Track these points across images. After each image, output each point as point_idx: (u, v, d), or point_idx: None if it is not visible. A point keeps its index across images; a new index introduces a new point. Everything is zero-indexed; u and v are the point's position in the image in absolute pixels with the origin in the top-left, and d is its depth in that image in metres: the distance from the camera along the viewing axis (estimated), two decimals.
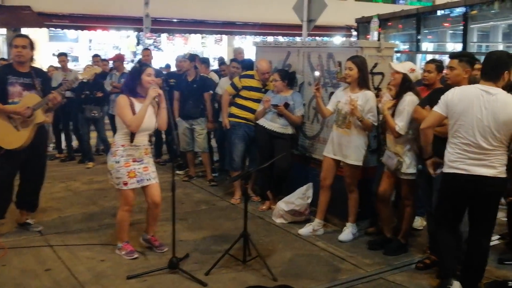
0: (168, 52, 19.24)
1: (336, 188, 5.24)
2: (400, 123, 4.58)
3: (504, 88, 3.78)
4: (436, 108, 3.87)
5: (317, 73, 5.50)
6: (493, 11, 11.62)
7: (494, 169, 3.62)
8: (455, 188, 3.78)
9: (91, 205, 6.23)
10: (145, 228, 4.86)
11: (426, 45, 14.50)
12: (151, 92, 4.33)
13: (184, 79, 7.24)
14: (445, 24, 13.43)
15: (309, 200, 5.62)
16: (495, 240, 4.97)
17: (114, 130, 8.59)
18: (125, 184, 4.39)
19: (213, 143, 8.08)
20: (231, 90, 6.34)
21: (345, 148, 5.06)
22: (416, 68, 4.74)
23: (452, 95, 3.76)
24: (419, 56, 12.46)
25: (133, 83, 4.39)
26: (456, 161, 3.72)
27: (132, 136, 4.36)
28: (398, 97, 4.66)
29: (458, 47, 13.54)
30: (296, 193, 5.69)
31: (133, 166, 4.40)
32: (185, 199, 6.47)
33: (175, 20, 18.19)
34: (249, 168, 6.54)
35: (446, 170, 3.81)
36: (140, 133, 4.40)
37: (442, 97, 3.84)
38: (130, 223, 4.70)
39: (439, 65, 4.75)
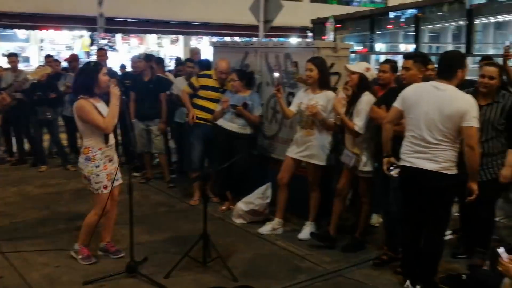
0: (123, 52, 18.94)
1: (296, 188, 5.25)
2: (359, 123, 4.63)
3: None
4: (395, 103, 3.99)
5: (276, 74, 5.52)
6: (442, 13, 11.99)
7: (437, 164, 3.70)
8: (405, 180, 3.90)
9: (44, 210, 6.05)
10: (101, 235, 4.74)
11: (380, 46, 14.83)
12: (115, 90, 4.26)
13: (140, 79, 7.15)
14: (397, 25, 13.77)
15: (268, 200, 5.62)
16: (448, 235, 5.07)
17: (68, 132, 8.50)
18: (106, 187, 4.34)
19: (171, 144, 8.00)
20: (188, 90, 6.28)
21: (309, 148, 5.09)
22: (371, 67, 4.82)
23: (408, 90, 3.92)
24: (373, 56, 12.70)
25: (90, 83, 4.27)
26: (405, 153, 3.85)
27: (106, 137, 4.29)
28: (356, 96, 4.72)
29: (410, 47, 13.90)
30: (255, 193, 5.67)
31: (110, 168, 4.36)
32: (142, 201, 6.37)
33: (130, 19, 17.94)
34: (208, 169, 6.51)
35: (400, 162, 3.93)
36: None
37: (401, 93, 3.97)
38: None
39: (393, 65, 4.84)
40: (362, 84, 4.70)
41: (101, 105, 4.31)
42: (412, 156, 3.79)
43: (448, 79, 3.75)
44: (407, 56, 4.47)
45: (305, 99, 5.07)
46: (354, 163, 4.73)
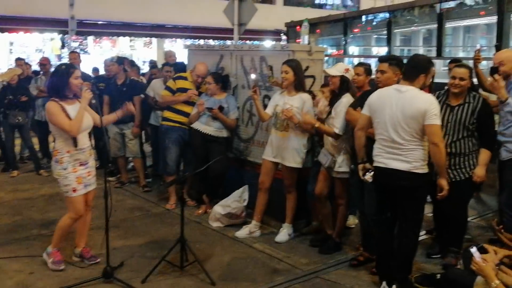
0: (96, 55, 18.69)
1: (272, 190, 5.27)
2: (338, 125, 4.66)
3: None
4: (363, 111, 4.06)
5: (253, 76, 5.52)
6: (413, 17, 12.20)
7: (408, 163, 3.76)
8: (378, 181, 3.96)
9: (16, 215, 5.94)
10: (76, 240, 4.68)
11: (353, 49, 14.99)
12: (86, 94, 4.22)
13: (113, 82, 7.09)
14: (369, 29, 13.96)
15: (245, 203, 5.62)
16: (422, 235, 5.15)
17: (40, 136, 8.37)
18: (74, 190, 4.28)
19: (146, 147, 7.94)
20: (167, 94, 6.23)
21: (284, 150, 5.09)
22: (350, 67, 4.82)
23: (372, 96, 3.99)
24: (346, 59, 12.85)
25: (60, 85, 4.23)
26: (377, 155, 3.91)
27: (74, 140, 4.23)
28: (337, 98, 4.75)
29: (382, 51, 14.06)
30: (232, 196, 5.68)
31: (80, 171, 4.31)
32: (118, 206, 6.28)
33: (102, 22, 17.70)
34: (184, 172, 6.48)
35: (373, 164, 4.00)
36: (81, 135, 4.30)
37: (367, 99, 4.04)
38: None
39: (367, 68, 4.85)
40: (343, 86, 4.73)
41: (72, 108, 4.25)
42: (384, 157, 3.86)
43: (410, 81, 3.83)
44: (382, 59, 4.53)
45: (281, 102, 5.09)
46: (329, 163, 4.75)
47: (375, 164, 3.93)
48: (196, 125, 5.88)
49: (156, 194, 6.85)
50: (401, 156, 3.78)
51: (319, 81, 5.49)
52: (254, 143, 5.88)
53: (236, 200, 5.64)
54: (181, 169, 6.58)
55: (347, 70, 4.76)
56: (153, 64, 8.78)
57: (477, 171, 4.42)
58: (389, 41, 12.40)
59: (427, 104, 3.75)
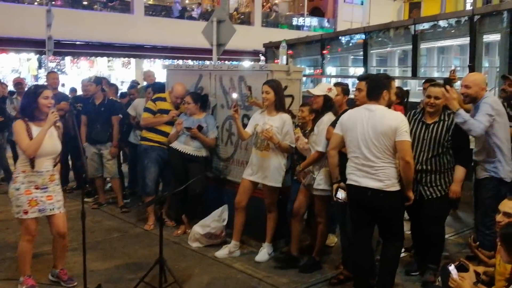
0: (73, 75, 18.55)
1: (252, 209, 5.25)
2: (320, 143, 4.70)
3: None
4: (335, 130, 4.17)
5: (234, 95, 5.52)
6: (388, 38, 12.45)
7: (381, 182, 3.82)
8: (352, 198, 4.01)
9: None
10: (53, 262, 4.60)
11: (330, 69, 15.17)
12: (51, 116, 4.15)
13: (91, 102, 7.05)
14: (346, 50, 14.17)
15: (225, 223, 5.59)
16: (402, 253, 5.06)
17: (15, 157, 8.15)
18: (26, 212, 4.18)
19: (124, 168, 7.88)
20: (148, 115, 6.20)
21: (265, 170, 5.08)
22: (332, 86, 4.90)
23: (344, 116, 4.10)
24: (324, 79, 13.01)
25: (29, 107, 4.19)
26: (350, 173, 3.97)
27: (32, 161, 4.13)
28: (319, 117, 4.82)
29: (359, 71, 14.26)
30: (212, 216, 5.64)
31: (35, 194, 4.19)
32: (95, 227, 6.21)
33: (80, 42, 17.60)
34: (163, 192, 6.42)
35: (347, 182, 4.06)
36: (43, 158, 4.18)
37: (339, 120, 4.15)
38: (34, 255, 4.47)
39: (345, 88, 4.95)
40: (326, 105, 4.81)
41: (38, 129, 4.18)
42: (356, 175, 3.91)
43: (376, 100, 3.94)
44: (360, 78, 4.65)
45: (261, 121, 5.11)
46: (308, 180, 4.77)
47: (348, 182, 3.97)
48: (175, 145, 5.86)
49: (135, 215, 6.77)
50: (373, 174, 3.83)
51: (298, 100, 5.54)
52: (234, 162, 5.85)
53: (215, 220, 5.60)
54: (160, 189, 6.53)
55: (329, 89, 4.85)
56: (132, 84, 8.68)
57: (452, 187, 4.48)
58: (365, 62, 12.61)
59: (397, 121, 3.83)
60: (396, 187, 3.86)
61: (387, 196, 3.82)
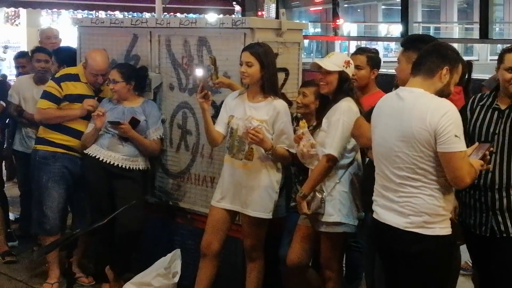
0: None
1: (224, 255, 4.59)
2: (332, 143, 4.00)
3: None
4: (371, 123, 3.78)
5: (199, 72, 4.75)
6: None
7: (404, 217, 3.23)
8: (375, 239, 3.63)
9: None
10: None
11: (348, 27, 13.96)
12: None
13: None
14: None
15: (176, 278, 4.78)
16: None
17: None
18: None
19: (10, 190, 6.97)
20: (49, 106, 5.18)
21: (247, 191, 4.35)
22: (351, 60, 4.29)
23: (376, 105, 3.62)
24: (337, 43, 11.66)
25: None
26: (374, 199, 3.49)
27: None
28: (330, 104, 4.16)
29: (394, 29, 12.74)
30: (155, 268, 4.85)
31: None
32: None
33: None
34: (73, 229, 5.60)
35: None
36: None
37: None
38: None
39: (372, 56, 4.49)
40: (342, 87, 4.12)
41: None
42: (378, 204, 3.43)
43: (424, 76, 3.28)
44: (406, 42, 4.00)
45: (239, 112, 4.35)
46: (316, 206, 4.04)
47: (374, 215, 3.54)
48: (94, 151, 5.02)
49: (26, 267, 5.76)
50: (396, 204, 3.28)
51: (295, 76, 4.81)
52: (190, 179, 5.06)
53: (161, 275, 4.80)
54: (68, 224, 5.71)
55: (347, 63, 4.17)
56: (21, 52, 7.59)
57: None
58: (405, 14, 11.04)
59: (439, 116, 3.13)
60: (432, 230, 3.18)
61: (413, 242, 3.21)
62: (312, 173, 4.12)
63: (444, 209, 3.22)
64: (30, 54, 6.85)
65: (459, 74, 3.50)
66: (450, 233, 3.24)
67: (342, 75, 4.09)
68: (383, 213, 3.37)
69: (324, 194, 4.05)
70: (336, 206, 4.00)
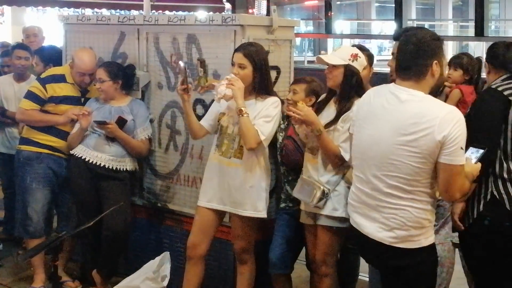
0: None
1: (212, 260, 4.73)
2: (344, 144, 3.98)
3: None
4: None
5: (182, 64, 4.72)
6: None
7: (388, 230, 3.12)
8: (357, 248, 3.68)
9: None
10: None
11: (341, 25, 13.98)
12: None
13: None
14: None
15: (165, 282, 4.71)
16: None
17: None
18: None
19: None
20: (30, 106, 5.21)
21: (237, 190, 4.34)
22: (359, 52, 4.19)
23: (359, 101, 3.56)
24: (330, 41, 11.60)
25: None
26: (349, 203, 3.41)
27: None
28: (345, 105, 4.10)
29: (388, 27, 12.70)
30: (143, 271, 4.74)
31: None
32: None
33: None
34: (58, 231, 5.49)
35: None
36: None
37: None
38: None
39: (369, 55, 4.55)
40: (350, 82, 4.07)
41: None
42: (358, 212, 3.29)
43: (414, 77, 3.12)
44: (397, 36, 3.83)
45: (231, 110, 4.36)
46: (317, 199, 4.02)
47: (350, 221, 3.46)
48: (80, 151, 5.05)
49: (11, 271, 5.75)
50: (378, 213, 3.15)
51: (287, 74, 4.84)
52: (179, 180, 5.10)
53: (149, 278, 4.72)
54: (54, 227, 5.65)
55: (355, 56, 4.11)
56: (5, 49, 7.51)
57: None
58: (399, 12, 11.14)
59: (450, 126, 2.97)
60: (418, 242, 3.09)
61: (399, 256, 3.12)
62: (312, 163, 4.09)
63: (429, 221, 3.14)
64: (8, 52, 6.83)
65: (445, 56, 3.45)
66: (433, 241, 3.17)
67: (347, 68, 4.06)
68: (365, 224, 3.25)
69: (324, 187, 4.05)
70: (341, 201, 4.02)
